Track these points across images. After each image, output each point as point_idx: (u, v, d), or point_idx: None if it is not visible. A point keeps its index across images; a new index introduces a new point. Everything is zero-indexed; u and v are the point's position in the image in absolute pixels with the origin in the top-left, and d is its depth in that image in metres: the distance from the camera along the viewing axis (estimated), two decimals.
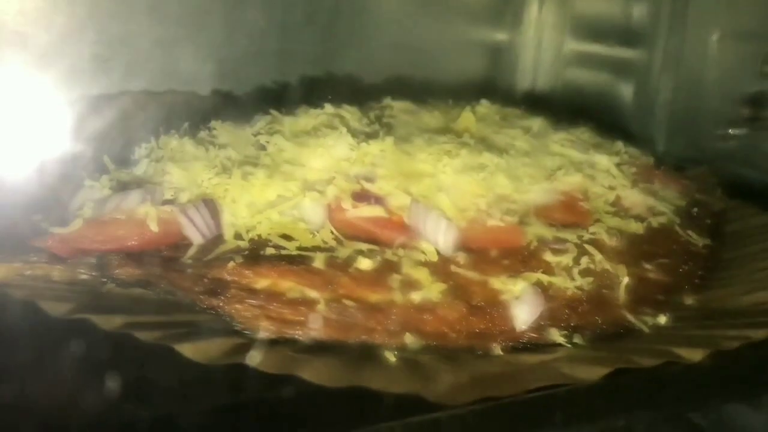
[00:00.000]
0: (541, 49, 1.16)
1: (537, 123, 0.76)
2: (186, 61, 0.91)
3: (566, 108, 1.04)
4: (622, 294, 0.56)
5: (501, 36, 1.16)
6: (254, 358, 0.44)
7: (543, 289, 0.54)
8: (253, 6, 0.97)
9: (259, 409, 0.41)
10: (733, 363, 0.46)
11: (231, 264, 0.51)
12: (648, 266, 0.60)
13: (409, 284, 0.52)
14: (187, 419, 0.39)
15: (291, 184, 0.58)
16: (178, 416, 0.39)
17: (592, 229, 0.60)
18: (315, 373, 0.43)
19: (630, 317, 0.55)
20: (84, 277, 0.54)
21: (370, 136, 0.64)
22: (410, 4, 1.07)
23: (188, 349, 0.44)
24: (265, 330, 0.49)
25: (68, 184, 0.61)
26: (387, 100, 0.79)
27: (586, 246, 0.58)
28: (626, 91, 1.04)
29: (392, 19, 1.06)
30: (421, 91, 0.84)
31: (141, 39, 0.92)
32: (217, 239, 0.55)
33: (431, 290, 0.52)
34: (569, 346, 0.52)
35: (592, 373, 0.44)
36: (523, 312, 0.52)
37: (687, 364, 0.45)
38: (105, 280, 0.53)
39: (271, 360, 0.44)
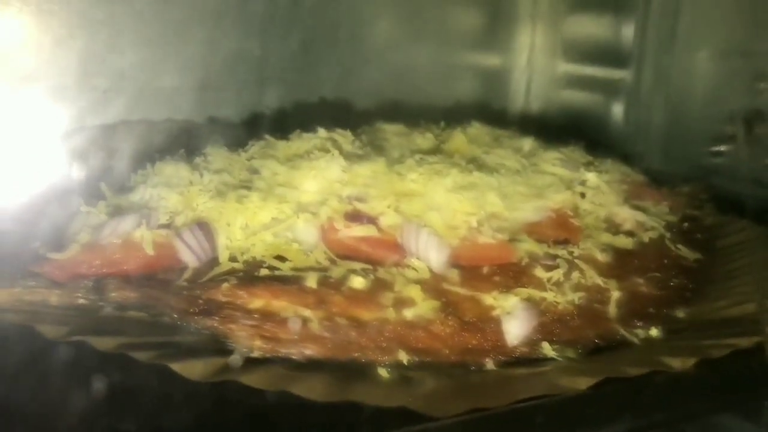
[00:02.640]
0: (533, 72, 1.18)
1: (528, 143, 0.77)
2: (178, 87, 0.92)
3: (559, 129, 1.06)
4: (613, 308, 0.57)
5: (493, 60, 1.18)
6: (247, 375, 0.44)
7: (534, 304, 0.55)
8: (249, 35, 0.99)
9: (247, 423, 0.42)
10: (720, 371, 0.46)
11: (225, 285, 0.52)
12: (639, 280, 0.61)
13: (402, 302, 0.53)
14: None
15: (285, 206, 0.59)
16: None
17: (582, 244, 0.61)
18: (306, 388, 0.43)
19: (621, 330, 0.56)
20: (81, 301, 0.54)
21: (362, 158, 0.65)
22: (402, 30, 1.09)
23: (182, 367, 0.44)
24: (259, 349, 0.49)
25: (65, 211, 0.62)
26: (379, 124, 0.81)
27: (577, 261, 0.58)
28: (618, 110, 1.06)
29: (385, 45, 1.08)
30: (413, 115, 0.85)
31: (137, 70, 0.94)
32: (212, 262, 0.56)
33: (424, 307, 0.53)
34: (561, 360, 0.52)
35: (579, 383, 0.45)
36: (515, 327, 0.53)
37: (675, 372, 0.45)
38: (102, 303, 0.54)
39: (263, 376, 0.45)
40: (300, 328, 0.50)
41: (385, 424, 0.40)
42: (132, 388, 0.45)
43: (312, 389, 0.44)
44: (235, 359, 0.46)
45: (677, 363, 0.47)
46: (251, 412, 0.43)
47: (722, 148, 0.90)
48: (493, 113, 1.14)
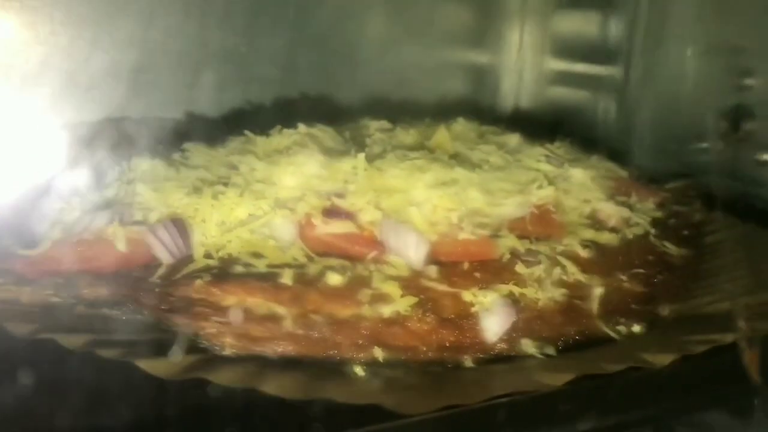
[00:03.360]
0: (523, 69, 1.17)
1: (513, 139, 0.77)
2: (163, 85, 0.92)
3: (548, 125, 1.05)
4: (595, 304, 0.56)
5: (483, 58, 1.17)
6: (216, 373, 0.43)
7: (515, 300, 0.54)
8: (234, 32, 0.98)
9: (216, 420, 0.41)
10: (700, 367, 0.45)
11: (198, 282, 0.51)
12: (622, 277, 0.60)
13: (379, 298, 0.52)
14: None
15: (262, 202, 0.58)
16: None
17: (565, 241, 0.60)
18: (277, 386, 0.42)
19: (603, 327, 0.55)
20: (53, 299, 0.53)
21: (342, 154, 0.64)
22: (390, 27, 1.08)
23: (149, 365, 0.43)
24: (230, 347, 0.48)
25: (39, 209, 0.61)
26: (365, 120, 0.80)
27: (559, 258, 0.58)
28: (606, 107, 1.05)
29: (372, 42, 1.07)
30: (401, 112, 0.84)
31: (120, 68, 0.93)
32: (187, 259, 0.55)
33: (401, 304, 0.52)
34: (541, 356, 0.51)
35: (556, 379, 0.44)
36: (494, 323, 0.52)
37: (654, 369, 0.44)
38: (73, 301, 0.53)
39: (233, 374, 0.44)
40: (273, 325, 0.49)
41: (357, 421, 0.39)
42: (100, 386, 0.44)
43: (284, 387, 0.43)
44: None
45: (656, 359, 0.46)
46: (221, 410, 0.42)
47: (710, 144, 0.89)
48: (483, 110, 1.13)
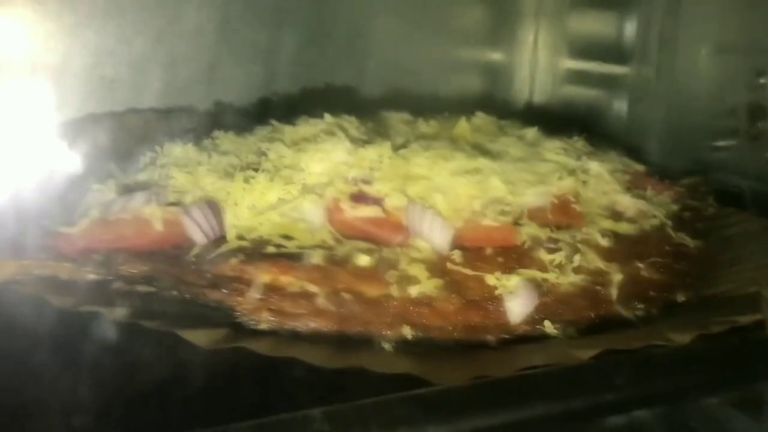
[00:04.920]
0: (537, 68, 1.19)
1: (531, 133, 0.78)
2: (188, 78, 0.94)
3: (562, 123, 1.06)
4: (614, 290, 0.58)
5: (497, 56, 1.19)
6: (254, 342, 0.45)
7: (537, 284, 0.56)
8: (257, 27, 1.00)
9: (254, 388, 0.42)
10: (719, 345, 0.47)
11: (233, 260, 0.53)
12: (640, 265, 0.61)
13: (406, 279, 0.53)
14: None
15: (291, 187, 0.60)
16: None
17: (585, 230, 0.62)
18: (312, 354, 0.44)
19: (622, 311, 0.56)
20: (91, 276, 0.55)
21: (367, 143, 0.66)
22: (408, 25, 1.10)
23: (191, 335, 0.45)
24: (266, 321, 0.50)
25: (76, 191, 0.63)
26: (386, 113, 0.82)
27: (579, 245, 0.59)
28: (620, 106, 1.06)
29: (390, 40, 1.09)
30: (419, 106, 0.86)
31: (146, 61, 0.95)
32: (220, 240, 0.57)
33: (428, 285, 0.53)
34: (562, 338, 0.53)
35: (581, 354, 0.45)
36: (517, 306, 0.54)
37: (674, 346, 0.46)
38: (111, 277, 0.54)
39: (269, 344, 0.46)
40: (306, 302, 0.51)
41: (387, 389, 0.41)
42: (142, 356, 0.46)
43: (318, 356, 0.44)
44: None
45: (677, 337, 0.47)
46: (258, 377, 0.43)
47: (723, 143, 0.91)
48: (497, 108, 1.14)
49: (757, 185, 0.87)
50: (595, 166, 0.71)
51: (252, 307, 0.50)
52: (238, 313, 0.51)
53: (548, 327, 0.54)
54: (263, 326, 0.50)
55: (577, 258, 0.58)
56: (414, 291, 0.53)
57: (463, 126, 0.76)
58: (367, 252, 0.55)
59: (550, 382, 0.42)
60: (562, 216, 0.64)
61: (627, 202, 0.69)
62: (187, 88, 0.95)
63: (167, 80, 0.94)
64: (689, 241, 0.67)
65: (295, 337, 0.49)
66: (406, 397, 0.39)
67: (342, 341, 0.49)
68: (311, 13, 1.03)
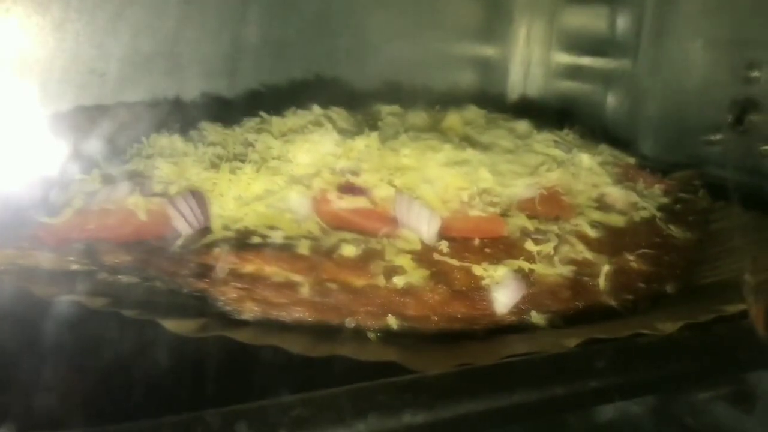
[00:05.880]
0: (530, 62, 1.18)
1: (522, 125, 0.78)
2: (177, 70, 0.93)
3: (555, 116, 1.06)
4: (602, 281, 0.57)
5: (491, 51, 1.19)
6: (234, 331, 0.45)
7: (524, 275, 0.55)
8: (248, 20, 0.99)
9: (233, 375, 0.42)
10: (705, 334, 0.47)
11: (217, 250, 0.53)
12: (629, 257, 0.61)
13: (392, 270, 0.53)
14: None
15: (278, 178, 0.60)
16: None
17: (573, 221, 0.61)
18: (294, 343, 0.44)
19: (610, 302, 0.56)
20: (74, 266, 0.55)
21: (356, 134, 0.65)
22: (400, 20, 1.10)
23: (172, 324, 0.45)
24: (249, 311, 0.50)
25: (60, 180, 0.63)
26: (377, 105, 0.81)
27: (568, 237, 0.59)
28: (613, 99, 1.06)
29: (383, 35, 1.08)
30: (411, 99, 0.86)
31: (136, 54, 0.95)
32: (205, 230, 0.57)
33: (414, 275, 0.53)
34: (549, 329, 0.52)
35: (567, 342, 0.45)
36: (504, 296, 0.53)
37: (661, 335, 0.46)
38: (94, 267, 0.54)
39: (252, 333, 0.45)
40: (291, 292, 0.51)
41: (369, 378, 0.40)
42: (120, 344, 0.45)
43: (300, 345, 0.44)
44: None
45: (663, 326, 0.47)
46: (238, 365, 0.43)
47: (715, 136, 0.91)
48: (490, 102, 1.14)
49: (747, 179, 0.86)
50: (585, 158, 0.70)
51: (236, 296, 0.50)
52: (221, 303, 0.50)
53: (535, 317, 0.53)
54: (247, 316, 0.49)
55: (565, 249, 0.58)
56: (400, 281, 0.52)
57: (453, 118, 0.75)
58: (354, 243, 0.54)
59: (531, 369, 0.41)
60: (551, 207, 0.63)
61: (616, 194, 0.68)
62: (175, 82, 0.94)
63: (155, 74, 0.94)
64: (679, 233, 0.66)
65: (279, 326, 0.48)
66: (384, 384, 0.39)
67: (325, 330, 0.48)
68: (308, 7, 1.02)
